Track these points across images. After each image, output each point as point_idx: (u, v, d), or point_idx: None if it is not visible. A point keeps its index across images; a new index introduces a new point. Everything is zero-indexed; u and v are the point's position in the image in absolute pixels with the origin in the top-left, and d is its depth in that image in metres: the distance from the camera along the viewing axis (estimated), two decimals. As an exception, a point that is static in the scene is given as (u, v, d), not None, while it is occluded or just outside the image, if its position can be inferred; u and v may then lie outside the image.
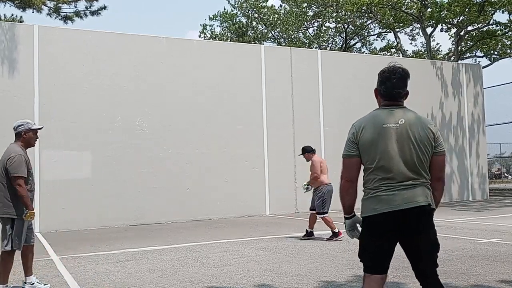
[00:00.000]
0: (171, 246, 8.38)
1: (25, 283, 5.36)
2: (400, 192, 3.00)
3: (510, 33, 25.08)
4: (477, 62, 26.93)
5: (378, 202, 3.04)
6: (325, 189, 8.56)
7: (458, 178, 17.58)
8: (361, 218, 3.17)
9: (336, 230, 8.54)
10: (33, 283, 5.38)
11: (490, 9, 22.94)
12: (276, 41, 33.71)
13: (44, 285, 5.51)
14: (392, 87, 3.17)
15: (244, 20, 33.54)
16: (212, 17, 34.04)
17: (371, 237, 3.10)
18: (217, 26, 34.32)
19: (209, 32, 34.13)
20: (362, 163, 3.15)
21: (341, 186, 3.22)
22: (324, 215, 8.55)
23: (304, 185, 9.00)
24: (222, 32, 34.03)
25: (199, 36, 33.95)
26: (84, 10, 18.16)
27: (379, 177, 3.06)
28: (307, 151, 9.00)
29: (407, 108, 3.19)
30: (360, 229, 3.21)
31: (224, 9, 35.01)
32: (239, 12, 33.67)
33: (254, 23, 33.90)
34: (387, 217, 3.01)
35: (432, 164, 3.11)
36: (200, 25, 35.07)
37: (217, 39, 32.66)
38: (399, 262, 6.48)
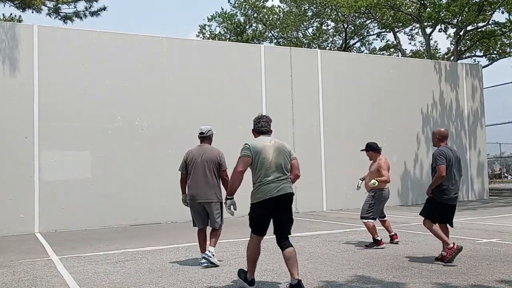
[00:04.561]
0: (171, 246, 8.38)
1: (209, 251, 6.53)
2: (276, 184, 4.94)
3: (509, 32, 25.09)
4: (477, 62, 26.94)
5: (262, 192, 4.93)
6: (378, 193, 7.78)
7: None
8: (235, 201, 5.24)
9: (378, 238, 7.73)
10: (213, 253, 6.54)
11: (489, 8, 22.96)
12: (276, 41, 33.71)
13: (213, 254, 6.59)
14: (263, 126, 5.29)
15: (242, 19, 33.49)
16: (210, 17, 34.04)
17: (258, 214, 5.00)
18: (216, 26, 34.31)
19: (208, 32, 34.11)
20: (252, 165, 5.03)
21: (235, 176, 5.05)
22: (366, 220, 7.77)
23: (359, 183, 8.18)
24: (222, 32, 34.00)
25: (197, 36, 33.93)
26: (83, 11, 18.19)
27: (263, 174, 4.96)
28: (373, 149, 8.02)
29: (271, 136, 5.27)
30: (234, 207, 5.23)
31: (222, 9, 35.00)
32: (238, 12, 33.66)
33: (253, 22, 33.87)
34: (269, 201, 4.92)
35: (292, 166, 5.15)
36: (199, 25, 34.97)
37: (216, 39, 32.64)
38: (399, 262, 6.49)
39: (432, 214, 6.51)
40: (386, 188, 7.80)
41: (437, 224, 6.50)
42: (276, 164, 4.98)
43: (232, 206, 5.20)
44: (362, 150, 8.23)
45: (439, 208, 6.47)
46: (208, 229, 6.82)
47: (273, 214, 4.95)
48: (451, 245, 6.29)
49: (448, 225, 6.63)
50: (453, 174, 6.45)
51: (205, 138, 6.93)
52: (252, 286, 5.17)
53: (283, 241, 4.95)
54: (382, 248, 7.57)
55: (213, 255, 6.50)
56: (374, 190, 7.77)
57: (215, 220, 6.65)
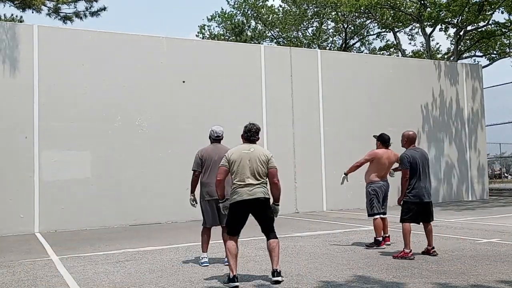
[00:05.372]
0: (171, 246, 8.38)
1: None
2: (248, 189, 5.42)
3: (509, 32, 25.09)
4: (477, 62, 26.96)
5: (236, 194, 5.45)
6: (371, 187, 7.88)
7: (457, 178, 17.59)
8: (227, 203, 5.64)
9: (380, 239, 7.74)
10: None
11: (489, 8, 22.96)
12: (275, 41, 33.71)
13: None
14: (252, 136, 5.69)
15: (241, 19, 33.47)
16: (210, 18, 34.01)
17: (233, 214, 5.53)
18: (216, 26, 34.31)
19: (208, 32, 34.09)
20: (230, 172, 5.55)
21: (216, 183, 5.67)
22: (373, 217, 7.80)
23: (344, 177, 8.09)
24: (221, 32, 33.97)
25: (197, 36, 33.90)
26: (83, 11, 18.19)
27: (238, 179, 5.47)
28: (381, 140, 8.04)
29: (256, 144, 5.71)
30: (227, 209, 5.64)
31: (222, 9, 34.99)
32: (238, 12, 33.64)
33: (253, 22, 33.87)
34: (241, 203, 5.44)
35: (268, 174, 5.54)
36: (198, 26, 34.94)
37: (216, 39, 32.63)
38: (399, 262, 6.49)
39: (409, 214, 6.88)
40: (379, 181, 7.89)
41: (410, 226, 6.84)
42: (251, 170, 5.45)
43: (225, 208, 5.71)
44: (374, 136, 8.39)
45: (413, 208, 6.88)
46: (213, 230, 6.85)
47: (253, 214, 5.52)
48: (408, 251, 6.67)
49: (426, 222, 6.95)
50: (420, 173, 6.90)
51: (219, 139, 6.86)
52: (234, 283, 5.25)
53: (268, 233, 5.52)
54: (382, 248, 7.58)
55: None
56: (367, 184, 7.96)
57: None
